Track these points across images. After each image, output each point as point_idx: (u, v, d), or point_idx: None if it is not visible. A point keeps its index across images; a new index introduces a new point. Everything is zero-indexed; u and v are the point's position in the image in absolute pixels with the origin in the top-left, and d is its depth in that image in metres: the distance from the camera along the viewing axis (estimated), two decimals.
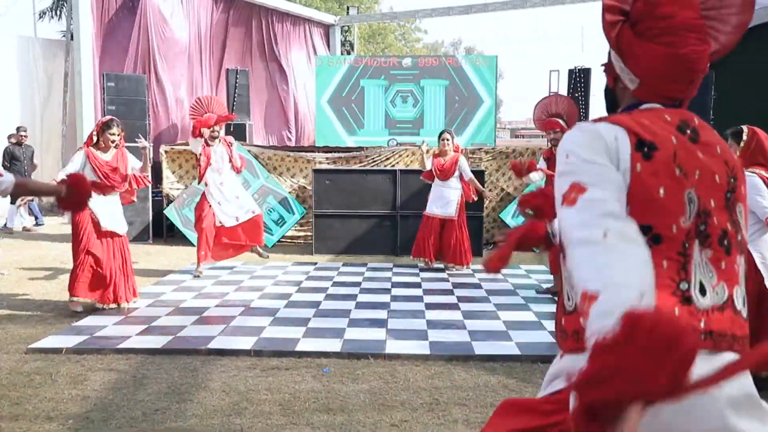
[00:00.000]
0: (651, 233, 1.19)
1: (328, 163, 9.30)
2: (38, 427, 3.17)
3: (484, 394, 3.62)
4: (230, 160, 6.91)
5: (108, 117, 5.60)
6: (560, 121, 5.68)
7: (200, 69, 13.87)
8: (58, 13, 22.26)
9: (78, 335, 4.61)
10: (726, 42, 1.37)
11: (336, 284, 6.53)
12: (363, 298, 5.92)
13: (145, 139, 6.01)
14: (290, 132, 16.06)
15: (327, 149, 10.10)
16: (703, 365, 1.04)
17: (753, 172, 3.54)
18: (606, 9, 1.33)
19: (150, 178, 5.84)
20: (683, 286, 1.19)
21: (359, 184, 8.38)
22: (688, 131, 1.28)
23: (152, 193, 9.44)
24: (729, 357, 1.16)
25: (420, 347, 4.38)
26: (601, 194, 1.14)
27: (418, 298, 5.91)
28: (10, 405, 3.43)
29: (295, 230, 9.18)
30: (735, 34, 1.36)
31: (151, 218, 9.41)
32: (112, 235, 5.39)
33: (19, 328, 4.91)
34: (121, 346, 4.37)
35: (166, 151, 9.61)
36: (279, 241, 8.96)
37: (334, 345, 4.42)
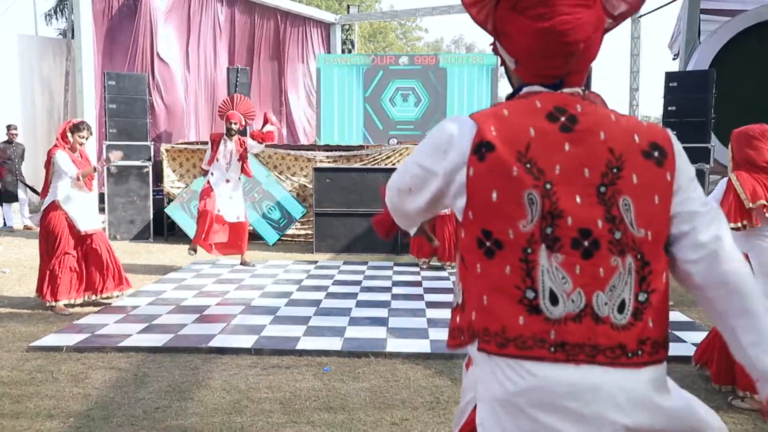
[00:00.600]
0: (492, 238, 1.13)
1: (328, 162, 9.30)
2: (39, 425, 3.17)
3: None
4: (239, 159, 7.09)
5: (78, 119, 5.65)
6: None
7: (201, 68, 13.87)
8: (62, 11, 22.38)
9: (79, 333, 4.61)
10: (634, 0, 1.22)
11: (336, 283, 6.54)
12: (363, 296, 5.92)
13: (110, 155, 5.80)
14: (291, 130, 16.05)
15: (327, 147, 10.09)
16: (562, 377, 1.09)
17: (732, 175, 3.43)
18: (471, 3, 1.22)
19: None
20: (529, 294, 1.11)
21: (360, 183, 8.38)
22: (563, 118, 1.15)
23: (153, 191, 9.46)
24: (589, 369, 1.09)
25: (421, 346, 4.38)
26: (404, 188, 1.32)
27: (419, 297, 5.91)
28: (11, 403, 3.44)
29: (296, 229, 9.19)
30: None
31: (151, 217, 9.43)
32: (89, 234, 5.41)
33: (20, 325, 4.91)
34: (122, 344, 4.37)
35: (166, 150, 9.62)
36: (279, 239, 8.97)
37: (334, 343, 4.42)
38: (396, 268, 7.37)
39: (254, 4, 15.04)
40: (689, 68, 11.65)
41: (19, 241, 9.11)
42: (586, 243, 1.11)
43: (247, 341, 4.45)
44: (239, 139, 7.16)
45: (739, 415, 3.33)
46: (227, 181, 7.09)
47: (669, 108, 8.98)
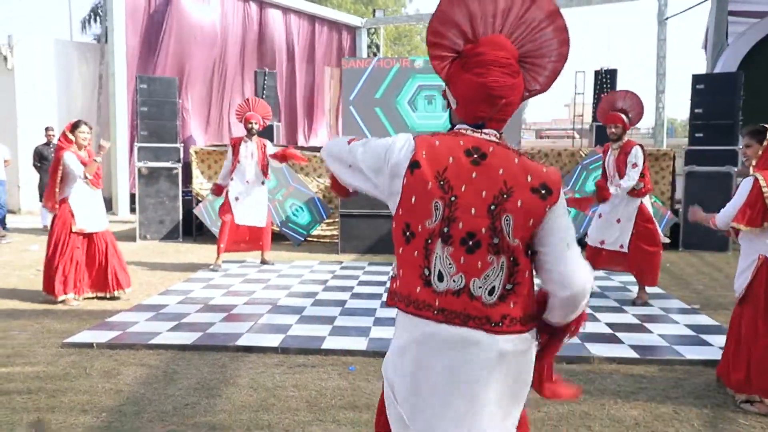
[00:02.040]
0: (409, 229, 1.62)
1: None
2: (73, 419, 3.27)
3: None
4: (260, 161, 7.13)
5: (75, 119, 5.91)
6: (623, 117, 5.61)
7: (230, 71, 14.06)
8: (96, 19, 23.09)
9: (111, 330, 4.73)
10: (544, 83, 1.71)
11: (361, 283, 6.59)
12: None
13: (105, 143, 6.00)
14: (318, 132, 16.17)
15: None
16: (439, 332, 1.57)
17: (755, 175, 3.39)
18: (435, 57, 1.71)
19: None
20: (426, 272, 1.59)
21: None
22: (475, 155, 1.59)
23: (182, 192, 9.64)
24: (460, 330, 1.56)
25: None
26: (357, 157, 1.72)
27: None
28: (47, 397, 3.55)
29: (322, 229, 9.27)
30: (550, 78, 1.70)
31: (181, 217, 9.60)
32: (93, 233, 5.70)
33: (54, 322, 5.06)
34: (152, 341, 4.47)
35: (195, 152, 9.79)
36: (305, 240, 9.07)
37: (359, 343, 4.47)
38: None
39: (282, 8, 15.20)
40: (717, 70, 11.48)
41: None
42: (470, 242, 1.57)
43: (273, 340, 4.52)
44: (260, 141, 7.25)
45: (752, 419, 3.30)
46: (247, 181, 7.13)
47: (696, 110, 8.87)
